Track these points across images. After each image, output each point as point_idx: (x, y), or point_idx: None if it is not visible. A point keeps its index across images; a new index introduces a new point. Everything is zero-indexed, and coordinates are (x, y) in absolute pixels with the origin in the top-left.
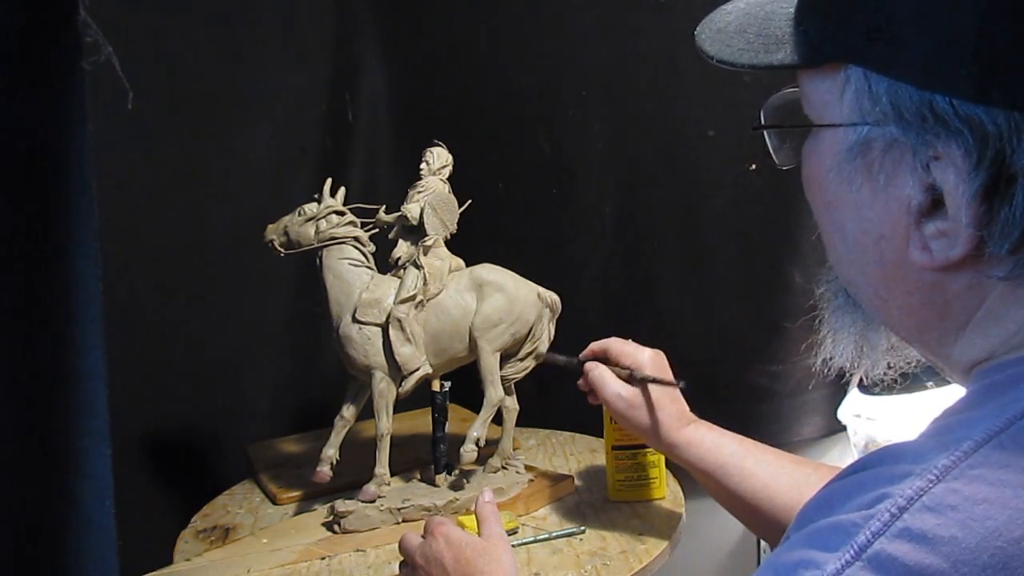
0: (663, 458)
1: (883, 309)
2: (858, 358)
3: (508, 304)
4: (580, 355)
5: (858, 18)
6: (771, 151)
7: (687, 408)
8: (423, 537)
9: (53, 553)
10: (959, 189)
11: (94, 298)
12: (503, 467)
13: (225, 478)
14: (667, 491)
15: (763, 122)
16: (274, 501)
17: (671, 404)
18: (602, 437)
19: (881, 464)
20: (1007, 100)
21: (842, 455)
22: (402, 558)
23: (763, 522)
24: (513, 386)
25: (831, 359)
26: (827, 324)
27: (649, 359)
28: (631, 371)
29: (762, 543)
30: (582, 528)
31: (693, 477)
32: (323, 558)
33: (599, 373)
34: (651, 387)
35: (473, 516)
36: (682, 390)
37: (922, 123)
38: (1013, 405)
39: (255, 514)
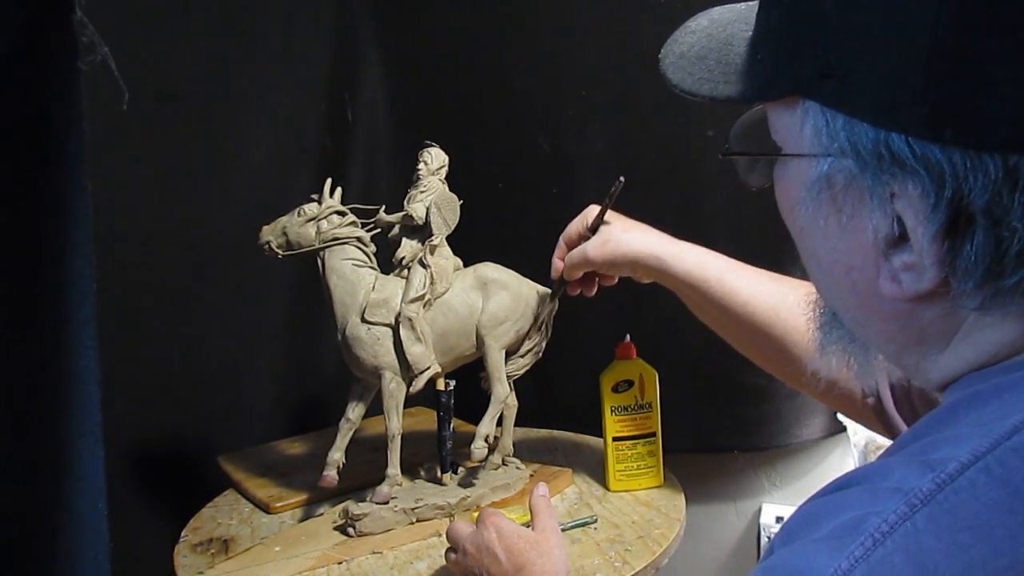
0: (660, 446)
1: (862, 333)
2: (847, 372)
3: (513, 301)
4: (552, 277)
5: (808, 54)
6: (741, 175)
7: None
8: (474, 526)
9: (44, 555)
10: (919, 230)
11: (88, 299)
12: (503, 463)
13: (222, 480)
14: (663, 478)
15: (731, 145)
16: (267, 510)
17: (640, 225)
18: (586, 433)
19: (866, 482)
20: (961, 139)
21: (842, 456)
22: (449, 545)
23: (744, 337)
24: (512, 383)
25: (819, 371)
26: (815, 338)
27: (591, 209)
28: (586, 229)
29: (762, 543)
30: (594, 517)
31: (681, 295)
32: (341, 562)
33: (568, 257)
34: (610, 216)
35: (517, 510)
36: (621, 185)
37: (879, 161)
38: (999, 423)
39: (249, 524)
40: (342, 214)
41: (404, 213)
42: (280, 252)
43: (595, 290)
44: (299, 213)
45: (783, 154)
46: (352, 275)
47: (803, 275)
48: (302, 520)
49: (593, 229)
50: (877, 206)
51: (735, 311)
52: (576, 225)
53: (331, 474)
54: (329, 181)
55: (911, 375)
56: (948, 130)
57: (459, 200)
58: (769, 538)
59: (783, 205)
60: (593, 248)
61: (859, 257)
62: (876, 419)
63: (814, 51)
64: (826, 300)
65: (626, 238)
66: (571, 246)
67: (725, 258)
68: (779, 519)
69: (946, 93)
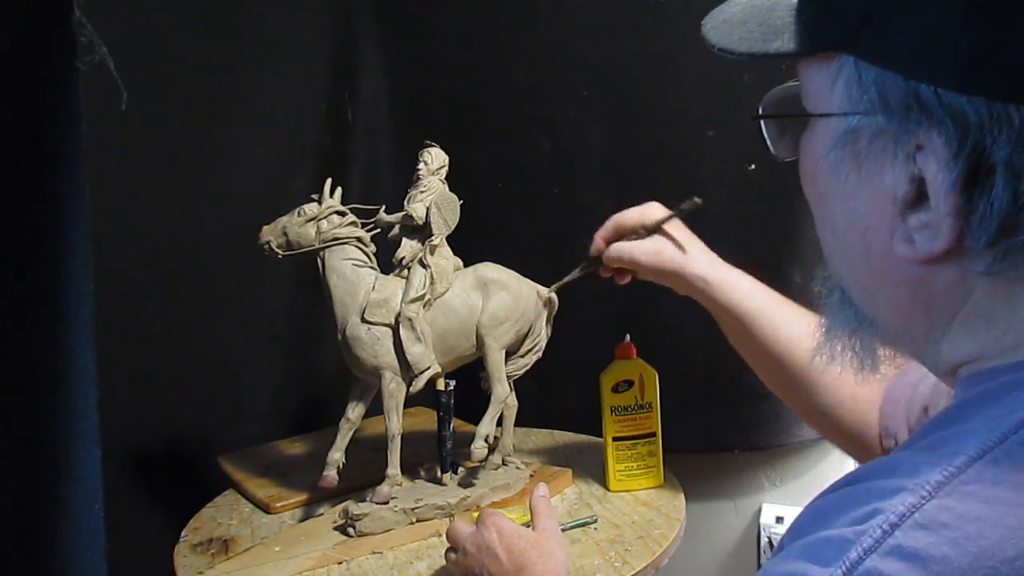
0: (660, 446)
1: (871, 304)
2: (852, 357)
3: (513, 302)
4: (591, 253)
5: (851, 7)
6: (769, 144)
7: (709, 250)
8: (474, 526)
9: (42, 555)
10: (939, 178)
11: (85, 300)
12: (503, 463)
13: (222, 480)
14: (663, 478)
15: (761, 114)
16: (267, 510)
17: (695, 241)
18: (586, 433)
19: (874, 477)
20: (989, 90)
21: (842, 456)
22: (449, 545)
23: (776, 373)
24: (512, 383)
25: (825, 357)
26: (822, 322)
27: (653, 207)
28: (642, 227)
29: (762, 543)
30: (594, 517)
31: (719, 321)
32: (341, 562)
33: (616, 247)
34: (671, 231)
35: (517, 510)
36: (697, 206)
37: (907, 112)
38: (1007, 418)
39: (249, 524)
40: (342, 214)
41: (404, 213)
42: (280, 252)
43: (627, 280)
44: (299, 213)
45: (813, 114)
46: (352, 275)
47: (801, 278)
48: (302, 520)
49: (650, 232)
50: (900, 159)
51: (774, 349)
52: (633, 217)
53: (331, 474)
54: (329, 181)
55: (920, 353)
56: (978, 80)
57: (459, 200)
58: (769, 538)
59: (805, 172)
60: (643, 253)
61: (876, 217)
62: None
63: (857, 2)
64: (837, 273)
65: (679, 256)
66: (619, 233)
67: (771, 292)
68: (779, 519)
69: (979, 42)
